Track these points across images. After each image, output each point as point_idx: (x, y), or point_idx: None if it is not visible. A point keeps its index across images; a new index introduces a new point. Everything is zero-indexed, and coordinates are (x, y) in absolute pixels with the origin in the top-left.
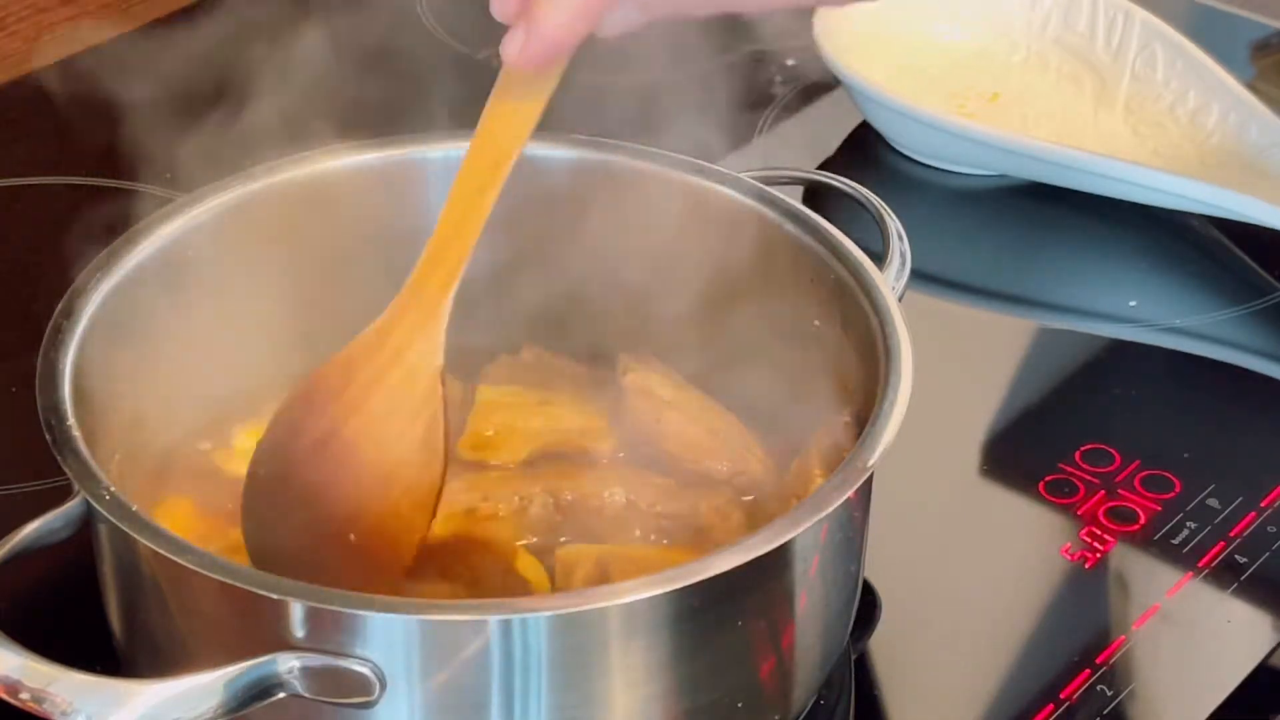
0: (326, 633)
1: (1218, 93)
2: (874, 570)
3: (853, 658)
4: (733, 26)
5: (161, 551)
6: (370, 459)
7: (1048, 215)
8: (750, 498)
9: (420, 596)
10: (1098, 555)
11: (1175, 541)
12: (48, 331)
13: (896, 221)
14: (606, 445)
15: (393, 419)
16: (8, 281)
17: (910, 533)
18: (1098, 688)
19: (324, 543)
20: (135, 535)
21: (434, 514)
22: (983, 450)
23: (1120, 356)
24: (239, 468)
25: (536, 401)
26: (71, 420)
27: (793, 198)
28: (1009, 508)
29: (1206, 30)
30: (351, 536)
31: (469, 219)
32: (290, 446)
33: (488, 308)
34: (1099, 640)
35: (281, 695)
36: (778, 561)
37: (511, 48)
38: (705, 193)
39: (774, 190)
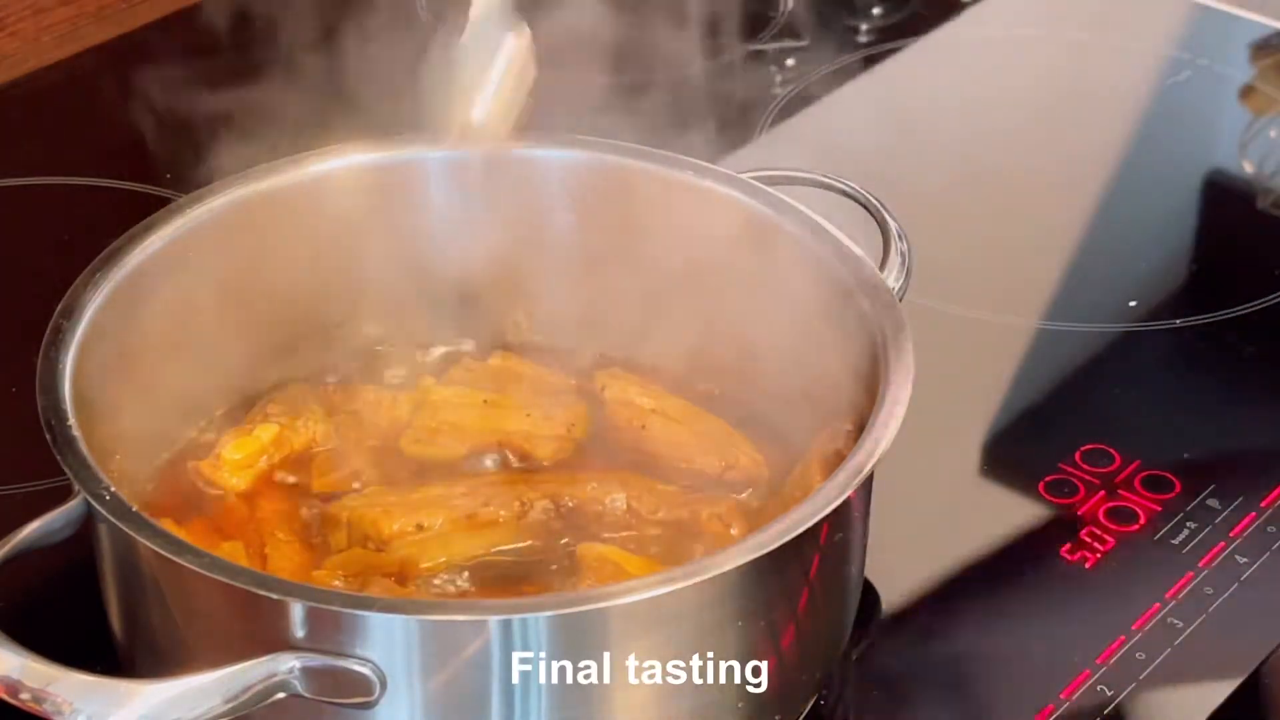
0: (326, 633)
1: None
2: (874, 570)
3: (853, 658)
4: (732, 26)
5: (161, 551)
6: None
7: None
8: (747, 496)
9: None
10: (1098, 555)
11: (1175, 541)
12: (48, 331)
13: (896, 221)
14: (548, 449)
15: None
16: (8, 281)
17: (910, 533)
18: (1098, 688)
19: None
20: (135, 535)
21: None
22: (983, 450)
23: (1120, 357)
24: (226, 478)
25: (481, 402)
26: (71, 420)
27: (793, 198)
28: (1009, 508)
29: (1207, 30)
30: None
31: None
32: None
33: (483, 308)
34: (1099, 640)
35: (281, 695)
36: (778, 561)
37: None
38: (705, 193)
39: (774, 190)
